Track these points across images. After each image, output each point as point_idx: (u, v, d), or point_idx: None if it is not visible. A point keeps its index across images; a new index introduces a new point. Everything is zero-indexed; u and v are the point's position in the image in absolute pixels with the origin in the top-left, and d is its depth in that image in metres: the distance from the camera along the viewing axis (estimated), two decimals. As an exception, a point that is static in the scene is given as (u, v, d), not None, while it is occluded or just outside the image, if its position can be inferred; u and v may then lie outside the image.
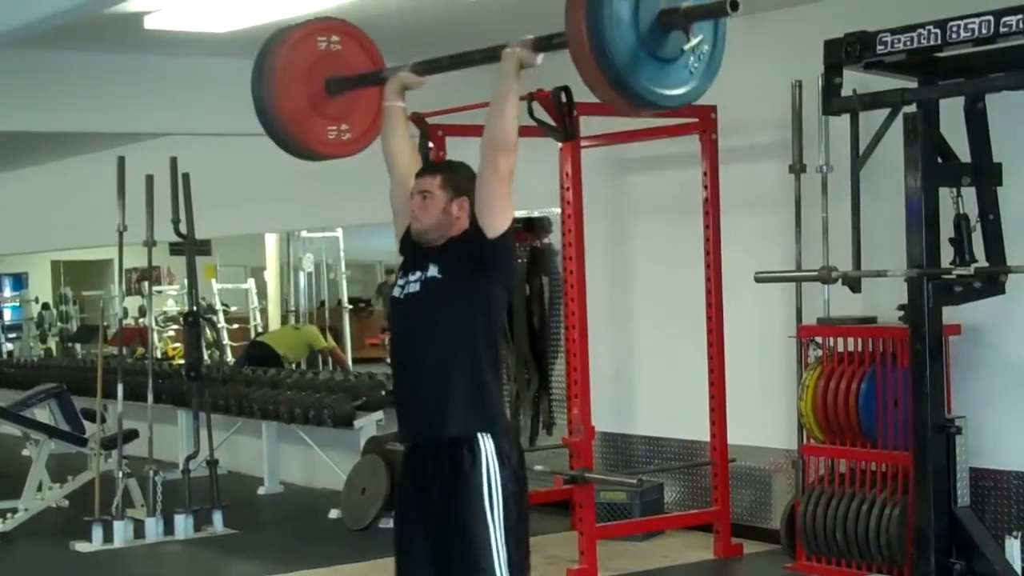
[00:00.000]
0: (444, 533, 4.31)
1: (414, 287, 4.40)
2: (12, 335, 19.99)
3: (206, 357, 11.84)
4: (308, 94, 4.82)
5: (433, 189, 4.41)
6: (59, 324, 19.18)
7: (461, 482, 4.27)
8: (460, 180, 4.44)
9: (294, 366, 13.18)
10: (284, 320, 15.85)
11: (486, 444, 4.29)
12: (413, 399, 4.44)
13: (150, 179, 9.34)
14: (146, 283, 10.79)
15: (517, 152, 4.26)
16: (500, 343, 4.49)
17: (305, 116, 4.84)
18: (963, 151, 6.70)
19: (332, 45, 4.91)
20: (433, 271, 4.35)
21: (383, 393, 9.79)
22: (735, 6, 3.84)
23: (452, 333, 4.31)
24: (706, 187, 7.85)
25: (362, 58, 4.96)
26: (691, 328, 8.05)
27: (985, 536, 6.66)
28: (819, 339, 7.50)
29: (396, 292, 4.47)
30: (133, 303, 17.17)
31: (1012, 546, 6.63)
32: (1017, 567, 6.59)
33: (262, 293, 17.08)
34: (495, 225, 4.30)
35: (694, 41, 3.96)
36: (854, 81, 6.80)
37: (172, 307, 17.33)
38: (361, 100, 4.89)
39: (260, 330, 16.03)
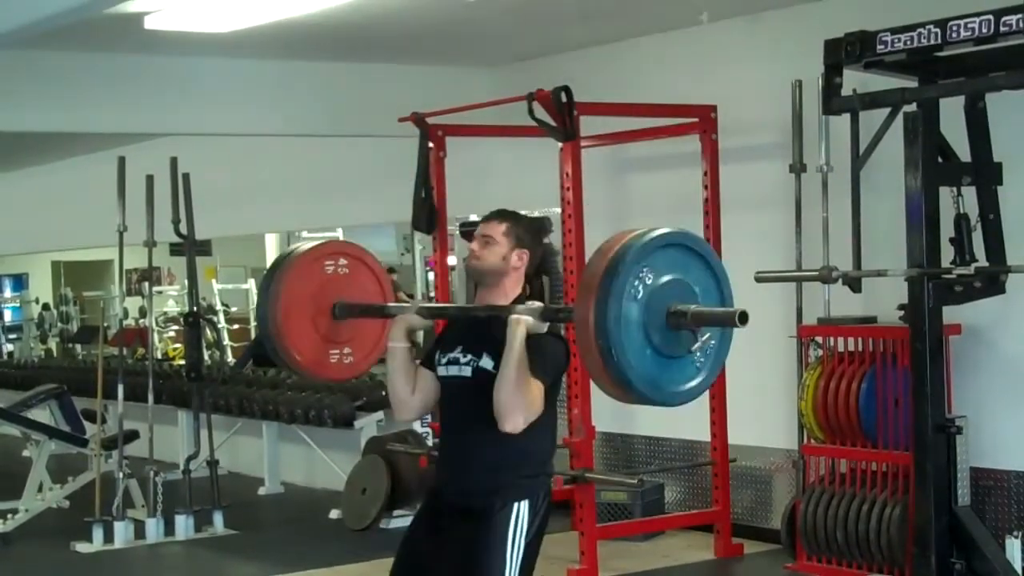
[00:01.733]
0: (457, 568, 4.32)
1: (466, 371, 4.35)
2: (12, 336, 19.99)
3: (206, 358, 11.85)
4: (313, 318, 4.81)
5: (497, 236, 4.40)
6: (59, 325, 19.16)
7: (485, 548, 4.27)
8: (524, 232, 4.44)
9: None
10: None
11: (520, 511, 4.30)
12: (459, 462, 4.42)
13: (150, 179, 9.34)
14: (146, 283, 10.78)
15: (537, 404, 4.20)
16: (555, 414, 4.46)
17: (310, 340, 4.80)
18: (963, 150, 6.71)
19: (340, 269, 4.91)
20: (487, 363, 4.29)
21: (383, 393, 9.79)
22: (744, 319, 3.83)
23: None
24: (706, 187, 7.86)
25: (370, 280, 4.93)
26: (691, 328, 8.03)
27: (985, 536, 6.67)
28: (819, 339, 7.51)
29: (442, 370, 4.42)
30: (133, 304, 17.16)
31: (1012, 546, 6.64)
32: (1018, 567, 6.59)
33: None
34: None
35: (701, 341, 3.92)
36: (854, 81, 6.80)
37: (172, 308, 17.31)
38: (365, 324, 4.86)
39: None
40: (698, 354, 3.97)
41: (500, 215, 4.49)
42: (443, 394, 4.48)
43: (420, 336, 4.64)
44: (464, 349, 4.38)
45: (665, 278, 3.91)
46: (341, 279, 4.88)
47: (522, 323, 4.19)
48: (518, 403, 4.15)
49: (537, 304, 4.30)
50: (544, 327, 4.23)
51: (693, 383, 4.01)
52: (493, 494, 4.30)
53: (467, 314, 4.55)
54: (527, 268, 4.46)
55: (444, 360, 4.42)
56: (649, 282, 3.89)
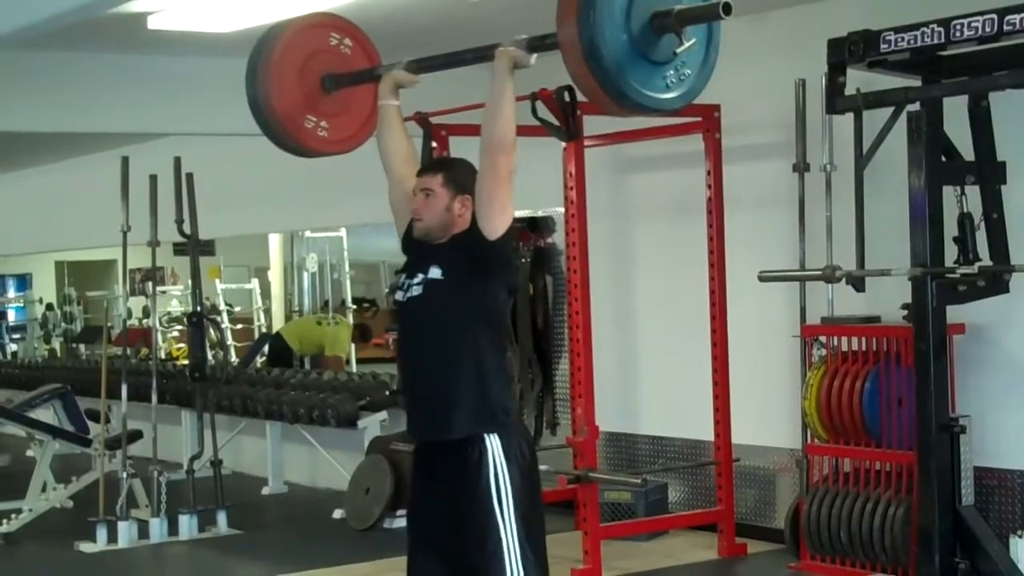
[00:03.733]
0: (455, 532, 4.32)
1: (416, 289, 4.40)
2: (16, 336, 20.00)
3: (210, 357, 11.86)
4: (303, 88, 4.82)
5: (435, 187, 4.40)
6: (63, 325, 19.18)
7: (469, 482, 4.27)
8: (462, 177, 4.43)
9: (298, 364, 13.19)
10: (288, 319, 15.85)
11: (492, 443, 4.29)
12: (419, 400, 4.45)
13: (154, 179, 9.35)
14: (150, 283, 10.79)
15: (515, 152, 4.24)
16: (505, 342, 4.49)
17: (299, 110, 4.83)
18: (967, 149, 6.70)
19: (333, 40, 4.92)
20: (435, 273, 4.35)
21: (387, 393, 9.81)
22: (728, 9, 3.84)
23: (454, 334, 4.31)
24: (709, 186, 7.85)
25: (362, 58, 4.95)
26: (695, 327, 8.05)
27: (989, 535, 6.67)
28: (823, 338, 7.51)
29: (399, 295, 4.47)
30: (137, 303, 17.17)
31: (1017, 545, 6.64)
32: (1022, 566, 6.59)
33: (266, 293, 17.10)
34: (494, 227, 4.29)
35: (687, 44, 3.96)
36: (857, 80, 6.79)
37: (176, 307, 17.34)
38: (356, 97, 4.87)
39: (264, 330, 16.04)
40: (682, 63, 4.03)
41: (435, 165, 4.61)
42: (401, 320, 4.51)
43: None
44: (417, 270, 4.43)
45: None
46: (332, 51, 4.90)
47: (507, 53, 4.24)
48: (503, 138, 4.21)
49: (521, 36, 4.30)
50: (531, 59, 4.24)
51: (684, 89, 4.09)
52: (461, 423, 4.30)
53: (454, 58, 4.55)
54: (472, 211, 4.42)
55: (400, 295, 4.47)
56: None
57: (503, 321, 4.48)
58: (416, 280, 4.42)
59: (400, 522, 9.05)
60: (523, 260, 8.88)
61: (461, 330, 4.30)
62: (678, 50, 3.97)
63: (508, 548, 4.25)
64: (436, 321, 4.33)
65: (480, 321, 4.33)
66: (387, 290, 18.06)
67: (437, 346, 4.32)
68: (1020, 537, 6.65)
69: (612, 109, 4.10)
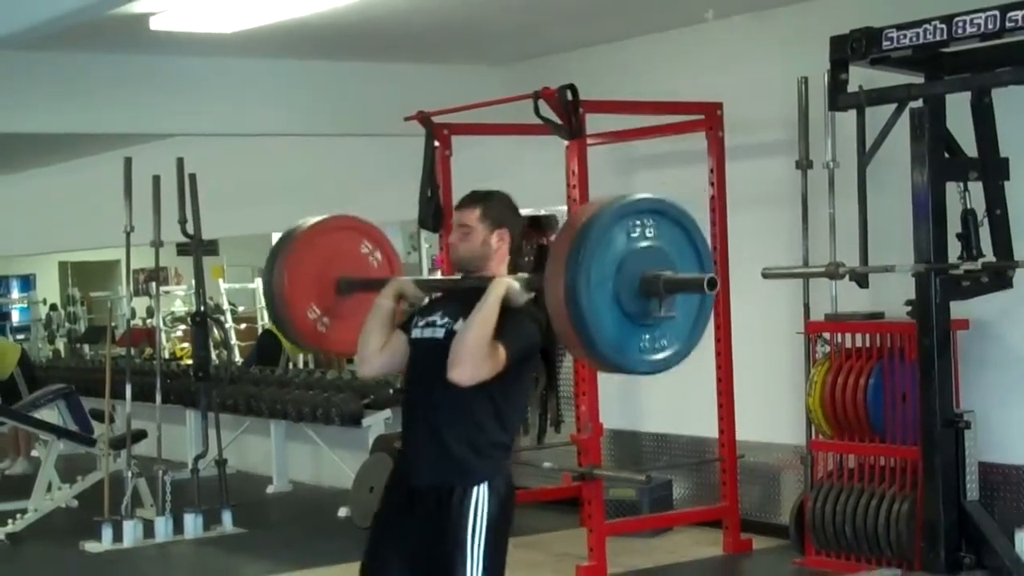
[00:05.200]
0: (422, 556, 4.28)
1: (439, 332, 4.32)
2: (20, 336, 19.95)
3: (214, 357, 11.85)
4: (318, 280, 4.87)
5: (472, 223, 4.37)
6: (67, 325, 19.15)
7: (447, 526, 4.23)
8: (500, 211, 4.40)
9: (301, 364, 13.18)
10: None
11: (479, 494, 4.25)
12: (416, 443, 4.38)
13: (157, 180, 9.34)
14: (153, 284, 10.78)
15: (490, 366, 4.15)
16: (524, 398, 4.46)
17: (306, 297, 4.87)
18: (970, 146, 6.70)
19: (364, 249, 5.02)
20: (460, 326, 4.24)
21: (390, 392, 9.80)
22: (712, 284, 3.86)
23: (465, 391, 4.19)
24: (712, 184, 7.85)
25: (385, 272, 4.98)
26: (698, 324, 8.03)
27: (994, 530, 6.67)
28: (827, 335, 7.52)
29: (416, 332, 4.40)
30: (141, 304, 17.15)
31: (1022, 540, 6.64)
32: (1027, 560, 6.60)
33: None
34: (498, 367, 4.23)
35: (665, 313, 3.94)
36: (860, 77, 6.79)
37: (180, 307, 17.31)
38: (363, 311, 4.77)
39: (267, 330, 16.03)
40: (673, 322, 3.99)
41: (472, 200, 4.45)
42: (411, 356, 4.43)
43: (405, 308, 4.66)
44: (444, 313, 4.36)
45: (639, 245, 3.94)
46: (365, 264, 4.96)
47: (503, 283, 4.19)
48: (472, 354, 4.11)
49: (523, 274, 4.30)
50: (525, 297, 4.20)
51: (671, 351, 4.03)
52: (455, 474, 4.25)
53: (458, 286, 4.49)
54: (511, 244, 4.41)
55: (421, 323, 4.40)
56: (621, 247, 3.92)
57: (524, 374, 4.38)
58: (441, 322, 4.35)
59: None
60: (526, 259, 8.87)
61: (475, 389, 4.19)
62: (659, 314, 3.95)
63: (472, 559, 4.22)
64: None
65: (497, 378, 4.22)
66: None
67: (444, 396, 4.23)
68: (1024, 532, 6.67)
69: (584, 358, 4.08)
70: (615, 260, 3.91)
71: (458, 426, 4.25)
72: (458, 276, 4.50)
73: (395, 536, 4.35)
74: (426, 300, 4.58)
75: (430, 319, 4.38)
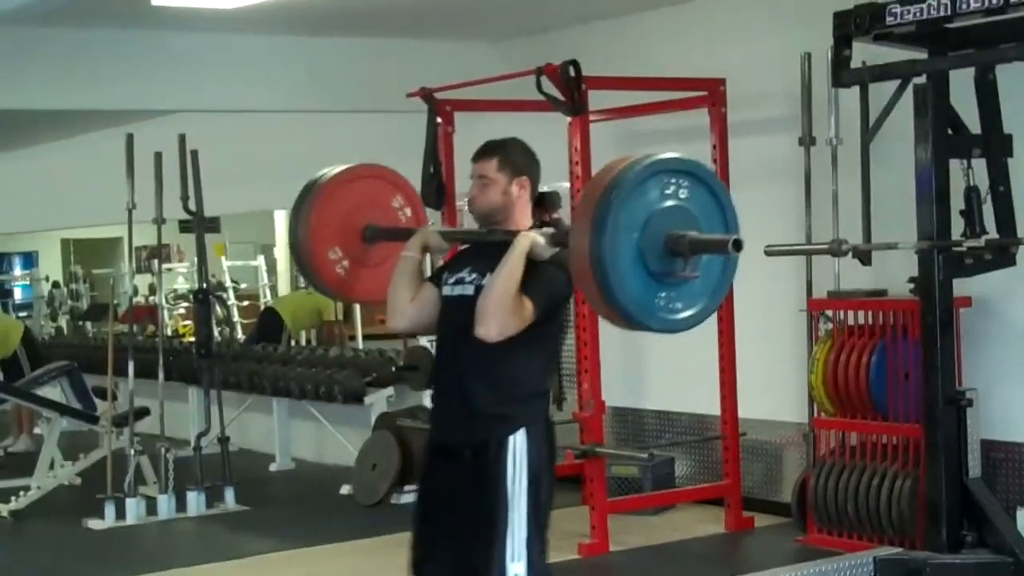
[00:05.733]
0: (465, 533, 4.30)
1: (468, 289, 4.33)
2: (23, 314, 19.98)
3: (216, 334, 11.86)
4: (345, 223, 4.90)
5: (490, 173, 4.37)
6: (69, 302, 19.18)
7: (487, 479, 4.25)
8: (517, 158, 4.42)
9: (304, 342, 13.19)
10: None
11: (516, 445, 4.26)
12: (449, 400, 4.40)
13: (159, 156, 9.34)
14: (156, 261, 10.79)
15: (517, 320, 4.17)
16: (554, 350, 4.48)
17: (330, 238, 4.90)
18: (973, 122, 6.68)
19: (396, 203, 5.03)
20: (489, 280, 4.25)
21: (393, 369, 9.81)
22: (738, 245, 3.86)
23: (496, 344, 4.20)
24: (715, 160, 7.82)
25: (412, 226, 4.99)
26: (701, 302, 8.03)
27: (996, 508, 6.68)
28: (829, 312, 7.51)
29: (447, 290, 4.41)
30: (143, 281, 17.19)
31: (1023, 517, 6.65)
32: (1029, 538, 6.61)
33: (272, 270, 17.09)
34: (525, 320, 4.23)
35: (689, 273, 3.94)
36: (863, 53, 6.76)
37: (182, 285, 17.34)
38: (385, 265, 4.83)
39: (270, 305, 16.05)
40: (696, 283, 3.99)
41: (487, 150, 4.44)
42: (442, 314, 4.43)
43: (429, 262, 4.68)
44: (472, 269, 4.36)
45: (668, 203, 3.93)
46: (394, 216, 4.99)
47: (528, 238, 4.21)
48: (498, 309, 4.12)
49: (548, 229, 4.32)
50: (550, 252, 4.21)
51: (689, 312, 4.02)
52: (487, 426, 4.27)
53: (483, 239, 4.50)
54: (532, 191, 4.43)
55: (451, 280, 4.41)
56: (651, 204, 3.92)
57: (553, 327, 4.41)
58: (470, 278, 4.35)
59: (407, 498, 9.07)
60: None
61: (505, 342, 4.19)
62: (685, 273, 3.94)
63: (512, 552, 4.25)
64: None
65: (527, 330, 4.23)
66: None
67: (474, 352, 4.23)
68: (1027, 510, 6.68)
69: (604, 313, 4.05)
70: (643, 215, 3.90)
71: (490, 380, 4.26)
72: (483, 229, 4.50)
73: (438, 494, 4.38)
74: (447, 247, 4.62)
75: (459, 275, 4.39)
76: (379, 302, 4.77)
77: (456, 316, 4.32)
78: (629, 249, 3.87)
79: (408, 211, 5.04)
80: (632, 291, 3.90)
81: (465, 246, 4.64)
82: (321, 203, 4.87)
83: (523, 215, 4.42)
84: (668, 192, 3.94)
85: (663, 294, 3.95)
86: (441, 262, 4.83)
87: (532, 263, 4.19)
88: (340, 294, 5.20)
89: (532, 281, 4.17)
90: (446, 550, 4.35)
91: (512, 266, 4.15)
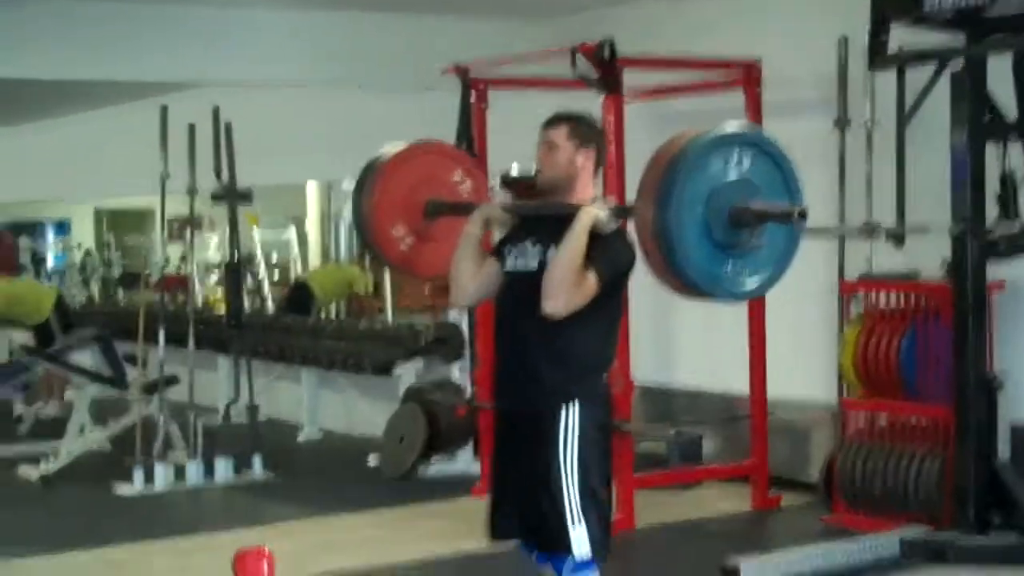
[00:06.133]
0: (531, 485, 4.37)
1: (532, 263, 4.37)
2: (55, 280, 20.10)
3: (247, 305, 11.89)
4: (407, 199, 4.92)
5: (559, 140, 4.42)
6: (101, 270, 19.25)
7: (546, 444, 4.33)
8: (586, 130, 4.46)
9: (333, 315, 13.20)
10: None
11: (571, 413, 4.33)
12: (511, 371, 4.47)
13: (192, 128, 9.36)
14: (188, 231, 10.81)
15: (583, 295, 4.22)
16: (616, 321, 4.48)
17: (393, 215, 4.92)
18: (1011, 107, 6.65)
19: (456, 177, 5.04)
20: (553, 253, 4.28)
21: (423, 342, 9.81)
22: (803, 215, 3.95)
23: (561, 320, 4.27)
24: (749, 142, 7.79)
25: (474, 196, 5.04)
26: (731, 281, 8.02)
27: (1024, 490, 6.67)
28: (861, 294, 7.49)
29: (509, 262, 4.45)
30: (175, 251, 17.20)
31: (1051, 501, 6.64)
32: (1056, 523, 6.59)
33: (303, 242, 17.10)
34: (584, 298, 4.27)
35: (755, 242, 4.01)
36: (900, 37, 6.73)
37: (213, 255, 17.35)
38: (448, 240, 4.82)
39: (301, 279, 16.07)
40: (762, 250, 4.04)
41: (559, 118, 4.50)
42: (505, 287, 4.49)
43: (495, 235, 4.72)
44: (535, 240, 4.40)
45: (732, 176, 3.98)
46: (455, 191, 5.02)
47: (590, 213, 4.23)
48: (563, 286, 4.18)
49: (613, 202, 4.37)
50: (613, 225, 4.25)
51: (756, 281, 4.11)
52: (545, 396, 4.34)
53: (546, 212, 4.52)
54: (597, 165, 4.48)
55: (513, 252, 4.45)
56: (714, 177, 3.97)
57: (617, 302, 4.43)
58: (532, 251, 4.40)
59: (433, 470, 9.11)
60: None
61: (568, 316, 4.25)
62: (753, 242, 4.01)
63: (574, 510, 4.32)
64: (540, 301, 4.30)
65: (592, 303, 4.28)
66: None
67: (538, 324, 4.28)
68: (1054, 494, 6.66)
69: (672, 285, 4.11)
70: (707, 189, 3.95)
71: (552, 353, 4.32)
72: (545, 202, 4.53)
73: (505, 457, 4.49)
74: (509, 220, 4.61)
75: (521, 247, 4.43)
76: (443, 276, 4.79)
77: (519, 289, 4.38)
78: (694, 222, 3.92)
79: (468, 184, 5.06)
80: (698, 263, 3.96)
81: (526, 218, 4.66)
82: (383, 181, 4.90)
83: (586, 186, 4.45)
84: (731, 164, 3.99)
85: (729, 264, 4.02)
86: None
87: (595, 236, 4.22)
88: (405, 270, 5.23)
89: (595, 254, 4.21)
90: (518, 514, 4.44)
91: (576, 243, 4.18)
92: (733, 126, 4.07)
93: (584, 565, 4.33)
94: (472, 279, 4.52)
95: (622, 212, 4.27)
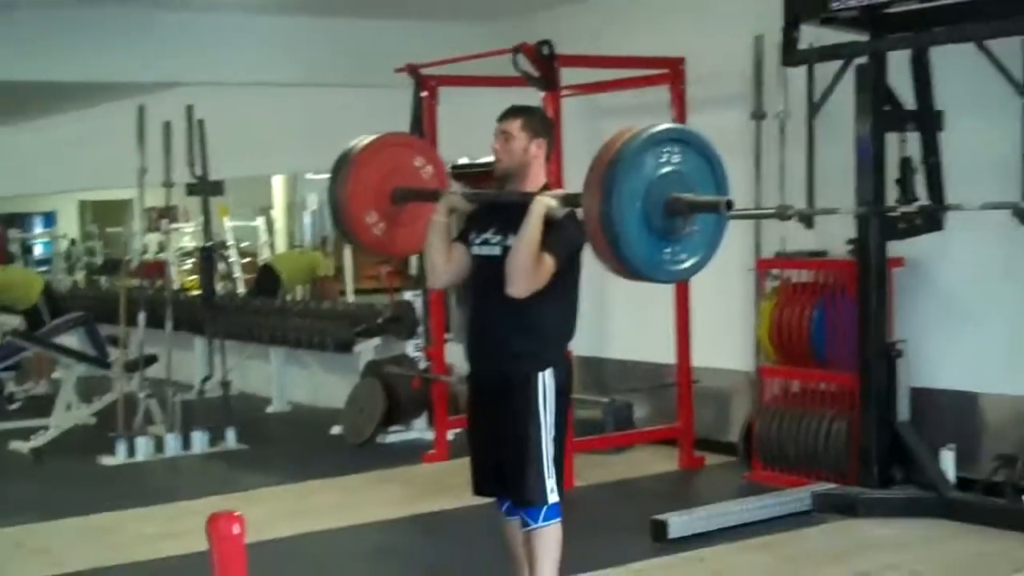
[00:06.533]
0: (506, 439, 4.52)
1: (496, 250, 4.49)
2: (43, 268, 19.90)
3: (219, 288, 11.84)
4: (377, 189, 4.98)
5: (514, 131, 4.54)
6: (85, 258, 19.11)
7: (520, 400, 4.47)
8: (537, 123, 4.59)
9: (298, 297, 13.17)
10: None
11: (543, 380, 4.47)
12: (483, 345, 4.61)
13: (167, 125, 9.31)
14: (165, 221, 10.77)
15: (542, 276, 4.34)
16: (575, 294, 4.57)
17: (366, 203, 4.99)
18: (909, 99, 6.70)
19: (417, 163, 5.10)
20: (514, 239, 4.39)
21: (379, 321, 9.82)
22: (730, 205, 4.02)
23: (523, 298, 4.39)
24: (674, 133, 7.82)
25: (434, 184, 5.09)
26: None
27: (922, 449, 6.73)
28: (775, 271, 7.54)
29: (475, 249, 4.57)
30: (153, 239, 17.10)
31: (946, 458, 6.71)
32: (951, 476, 6.65)
33: (271, 230, 17.04)
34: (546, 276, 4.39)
35: (688, 229, 4.08)
36: (810, 35, 6.76)
37: (188, 243, 17.27)
38: (417, 223, 4.94)
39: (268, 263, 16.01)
40: (695, 236, 4.11)
41: (514, 111, 4.63)
42: (474, 270, 4.62)
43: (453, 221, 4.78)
44: (496, 230, 4.51)
45: (664, 170, 4.06)
46: (418, 177, 5.08)
47: (543, 202, 4.36)
48: (524, 270, 4.32)
49: (560, 191, 4.49)
50: (563, 212, 4.36)
51: (690, 262, 4.18)
52: (516, 366, 4.46)
53: (503, 199, 4.63)
54: (547, 154, 4.59)
55: (478, 240, 4.57)
56: (650, 172, 4.05)
57: (574, 277, 4.54)
58: (495, 240, 4.51)
59: (391, 438, 9.13)
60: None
61: (531, 295, 4.38)
62: (685, 231, 4.08)
63: (543, 446, 4.49)
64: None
65: (551, 281, 4.40)
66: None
67: (505, 303, 4.39)
68: (950, 450, 6.72)
69: (615, 270, 4.17)
70: (644, 184, 4.03)
71: (520, 326, 4.45)
72: (502, 191, 4.64)
73: (481, 412, 4.62)
74: (470, 207, 4.70)
75: (485, 236, 4.56)
76: (412, 255, 4.90)
77: (487, 272, 4.51)
78: (634, 214, 4.01)
79: (429, 168, 5.11)
80: (640, 250, 4.04)
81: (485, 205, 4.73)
82: (356, 172, 4.94)
83: (538, 173, 4.58)
84: (663, 160, 4.07)
85: (668, 249, 4.11)
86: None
87: (548, 221, 4.34)
88: (381, 252, 5.32)
89: (550, 238, 4.34)
90: (497, 473, 4.58)
91: (532, 231, 4.32)
92: (664, 126, 4.13)
93: (554, 508, 4.52)
94: (445, 264, 4.64)
95: (571, 200, 4.35)
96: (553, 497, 4.50)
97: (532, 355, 4.47)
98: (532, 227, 4.32)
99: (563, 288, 4.48)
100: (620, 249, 4.00)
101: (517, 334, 4.46)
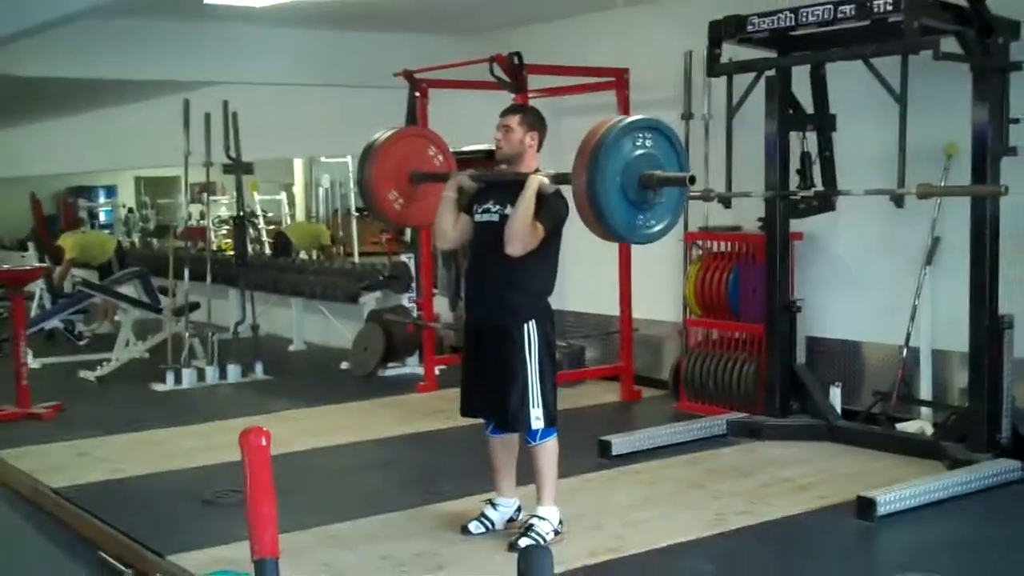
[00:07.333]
0: (497, 374, 4.54)
1: (494, 217, 4.55)
2: (106, 231, 19.81)
3: (250, 249, 11.80)
4: (396, 172, 5.08)
5: (513, 125, 4.63)
6: (140, 224, 18.98)
7: (512, 347, 4.51)
8: (532, 119, 4.68)
9: (313, 256, 13.16)
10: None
11: (530, 328, 4.52)
12: (481, 296, 4.63)
13: (208, 116, 9.27)
14: (205, 194, 10.72)
15: (535, 239, 4.41)
16: (556, 258, 4.61)
17: (387, 185, 5.09)
18: (808, 105, 6.71)
19: (430, 151, 5.19)
20: (510, 211, 4.46)
21: (380, 278, 9.82)
22: (693, 180, 4.14)
23: (515, 257, 4.45)
24: (620, 129, 7.81)
25: (444, 168, 5.18)
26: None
27: (815, 385, 6.78)
28: (700, 242, 7.56)
29: (477, 216, 4.62)
30: (195, 209, 17.02)
31: (834, 393, 6.76)
32: (837, 408, 6.72)
33: (291, 203, 16.97)
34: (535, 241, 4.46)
35: (658, 197, 4.16)
36: (730, 52, 6.76)
37: (224, 212, 17.18)
38: (429, 201, 5.00)
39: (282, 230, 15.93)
40: (662, 205, 4.20)
41: (513, 109, 4.75)
42: (475, 233, 4.66)
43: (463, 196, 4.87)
44: (495, 201, 4.58)
45: (638, 152, 4.15)
46: (430, 162, 5.19)
47: (536, 180, 4.45)
48: (520, 233, 4.39)
49: (551, 171, 4.55)
50: (553, 188, 4.45)
51: (659, 227, 4.27)
52: (509, 315, 4.50)
53: (502, 178, 4.69)
54: (539, 143, 4.67)
55: (480, 209, 4.64)
56: (627, 152, 4.13)
57: (557, 240, 4.57)
58: (495, 208, 4.57)
59: (389, 372, 9.15)
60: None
61: (523, 255, 4.44)
62: (655, 200, 4.15)
63: (533, 381, 4.53)
64: (503, 245, 4.46)
65: (539, 246, 4.46)
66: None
67: (501, 262, 4.45)
68: (837, 387, 6.78)
69: (598, 232, 4.24)
70: (622, 163, 4.12)
71: (512, 282, 4.50)
72: (501, 171, 4.70)
73: (476, 351, 4.65)
74: (475, 186, 4.76)
75: (486, 206, 4.62)
76: (425, 225, 5.07)
77: (486, 235, 4.58)
78: (615, 187, 4.10)
79: (440, 157, 5.21)
80: (619, 217, 4.13)
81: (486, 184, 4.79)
82: (379, 159, 5.03)
83: (532, 159, 4.65)
84: (639, 143, 4.15)
85: (641, 216, 4.16)
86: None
87: (540, 196, 4.42)
88: (400, 223, 5.43)
89: (541, 210, 4.43)
90: (487, 400, 4.61)
91: (527, 202, 4.40)
92: (638, 116, 4.25)
93: (548, 430, 4.58)
94: (452, 228, 4.70)
95: (560, 178, 4.42)
96: (537, 424, 4.52)
97: (523, 307, 4.51)
98: (528, 199, 4.40)
99: (548, 252, 4.54)
100: (604, 217, 4.08)
101: (512, 289, 4.50)
